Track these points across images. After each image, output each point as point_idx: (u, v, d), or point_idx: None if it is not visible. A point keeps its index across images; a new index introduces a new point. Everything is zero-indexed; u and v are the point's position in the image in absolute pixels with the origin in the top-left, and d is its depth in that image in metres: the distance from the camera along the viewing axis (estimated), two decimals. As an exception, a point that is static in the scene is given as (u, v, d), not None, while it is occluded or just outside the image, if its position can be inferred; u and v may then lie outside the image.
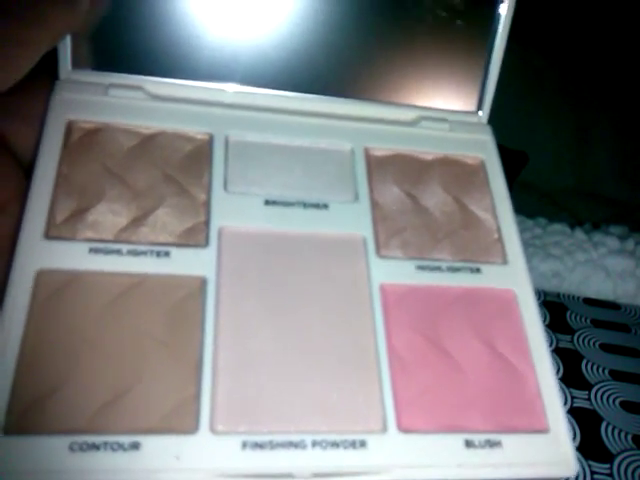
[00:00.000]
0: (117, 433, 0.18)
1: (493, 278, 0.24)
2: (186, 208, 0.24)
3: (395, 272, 0.24)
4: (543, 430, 0.21)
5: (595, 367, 0.32)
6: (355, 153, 0.27)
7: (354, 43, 0.27)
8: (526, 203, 0.49)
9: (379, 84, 0.28)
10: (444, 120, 0.28)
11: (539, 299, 0.36)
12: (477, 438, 0.20)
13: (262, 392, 0.20)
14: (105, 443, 0.18)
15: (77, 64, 0.26)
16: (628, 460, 0.27)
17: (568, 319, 0.36)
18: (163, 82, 0.26)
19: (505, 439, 0.20)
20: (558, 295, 0.38)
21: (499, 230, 0.26)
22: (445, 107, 0.28)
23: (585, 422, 0.29)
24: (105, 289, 0.21)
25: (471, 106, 0.29)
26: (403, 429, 0.20)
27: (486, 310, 0.24)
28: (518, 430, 0.21)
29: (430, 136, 0.28)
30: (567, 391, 0.30)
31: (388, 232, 0.25)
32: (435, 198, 0.27)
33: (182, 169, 0.25)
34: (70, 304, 0.21)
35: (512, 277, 0.25)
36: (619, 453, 0.28)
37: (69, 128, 0.24)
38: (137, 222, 0.23)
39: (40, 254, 0.21)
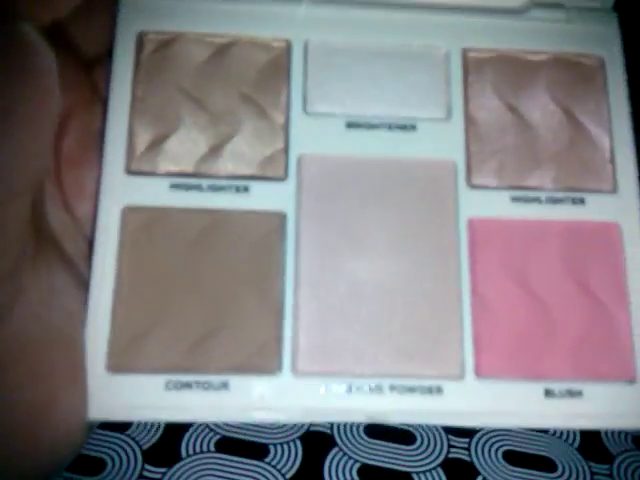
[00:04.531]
0: (208, 372, 0.21)
1: (598, 210, 0.24)
2: (264, 133, 0.24)
3: (486, 205, 0.24)
4: (631, 379, 0.22)
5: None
6: (451, 57, 0.25)
7: None
8: None
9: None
10: (560, 5, 0.26)
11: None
12: (558, 387, 0.22)
13: (342, 334, 0.22)
14: (197, 382, 0.21)
15: (143, -39, 0.25)
16: (628, 461, 0.28)
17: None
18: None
19: (587, 388, 0.22)
20: None
21: (612, 150, 0.25)
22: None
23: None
24: (188, 226, 0.23)
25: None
26: (481, 375, 0.22)
27: (584, 247, 0.23)
28: (602, 379, 0.22)
29: (541, 29, 0.26)
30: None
31: (482, 155, 0.25)
32: (540, 110, 0.25)
33: (259, 86, 0.25)
34: (157, 241, 0.23)
35: (620, 208, 0.24)
36: (619, 454, 0.28)
37: (140, 41, 0.25)
38: (215, 151, 0.24)
39: (124, 190, 0.23)
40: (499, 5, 0.26)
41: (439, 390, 0.21)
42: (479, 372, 0.22)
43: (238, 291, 0.22)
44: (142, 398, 0.21)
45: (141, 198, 0.23)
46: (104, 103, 0.25)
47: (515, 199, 0.24)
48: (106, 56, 0.25)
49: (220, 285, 0.22)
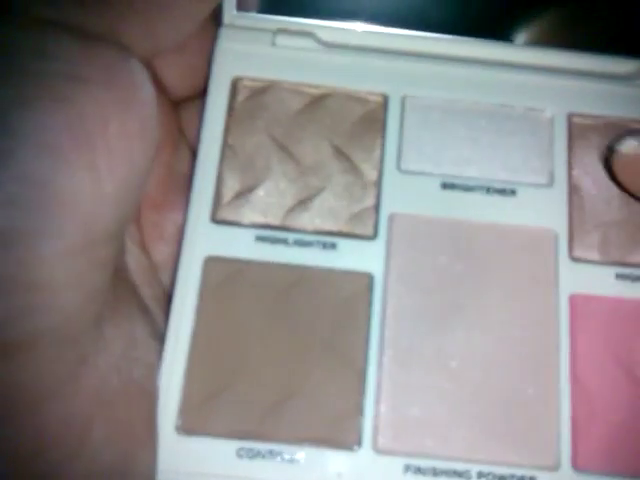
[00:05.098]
0: (282, 441, 0.20)
1: None
2: (354, 189, 0.24)
3: (589, 280, 0.22)
4: None
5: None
6: (555, 121, 0.24)
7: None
8: None
9: (588, 31, 0.24)
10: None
11: None
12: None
13: (428, 410, 0.21)
14: (270, 451, 0.20)
15: (243, 6, 0.25)
16: None
17: None
18: (336, 28, 0.25)
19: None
20: None
21: None
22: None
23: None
24: (271, 281, 0.22)
25: None
26: (578, 468, 0.20)
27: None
28: None
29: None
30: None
31: (586, 227, 0.23)
32: (649, 183, 0.24)
33: (352, 140, 0.24)
34: (237, 296, 0.22)
35: None
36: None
37: (234, 87, 0.25)
38: (303, 205, 0.23)
39: (207, 240, 0.22)
40: (607, 71, 0.25)
41: (532, 481, 0.20)
42: (576, 464, 0.20)
43: (318, 355, 0.21)
44: (212, 465, 0.20)
45: (225, 249, 0.22)
46: (190, 146, 0.24)
47: (620, 276, 0.22)
48: (196, 99, 0.25)
49: (300, 346, 0.21)
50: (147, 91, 0.18)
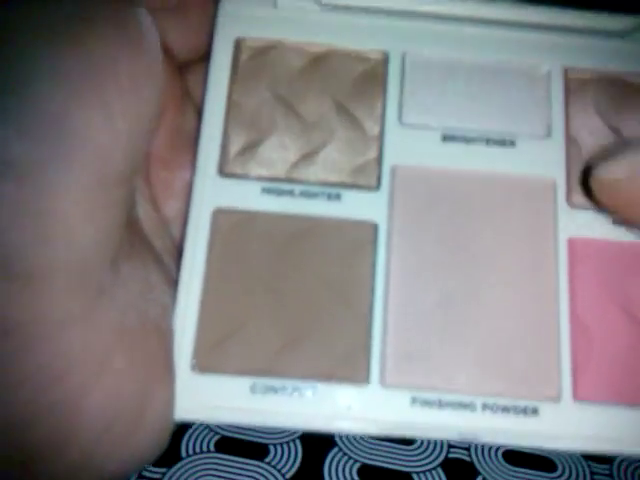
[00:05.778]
0: (294, 377, 0.21)
1: None
2: (357, 143, 0.25)
3: (587, 225, 0.23)
4: None
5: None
6: (552, 75, 0.26)
7: None
8: None
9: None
10: (664, 27, 0.26)
11: None
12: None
13: (433, 347, 0.22)
14: (283, 387, 0.21)
15: (244, -31, 0.26)
16: (628, 460, 0.29)
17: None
18: (335, -12, 0.26)
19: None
20: None
21: None
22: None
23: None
24: (278, 231, 0.23)
25: None
26: (579, 398, 0.21)
27: (692, 274, 0.23)
28: None
29: (645, 52, 0.26)
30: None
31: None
32: (644, 133, 0.25)
33: (354, 96, 0.25)
34: (246, 244, 0.23)
35: None
36: (620, 454, 0.28)
37: (238, 47, 0.25)
38: (307, 158, 0.24)
39: (215, 192, 0.23)
40: (602, 27, 0.26)
41: (534, 411, 0.21)
42: (577, 395, 0.21)
43: (326, 298, 0.22)
44: (227, 400, 0.21)
45: (232, 201, 0.23)
46: (196, 107, 0.25)
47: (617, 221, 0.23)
48: (201, 62, 0.26)
49: (308, 291, 0.22)
50: (153, 36, 0.19)
